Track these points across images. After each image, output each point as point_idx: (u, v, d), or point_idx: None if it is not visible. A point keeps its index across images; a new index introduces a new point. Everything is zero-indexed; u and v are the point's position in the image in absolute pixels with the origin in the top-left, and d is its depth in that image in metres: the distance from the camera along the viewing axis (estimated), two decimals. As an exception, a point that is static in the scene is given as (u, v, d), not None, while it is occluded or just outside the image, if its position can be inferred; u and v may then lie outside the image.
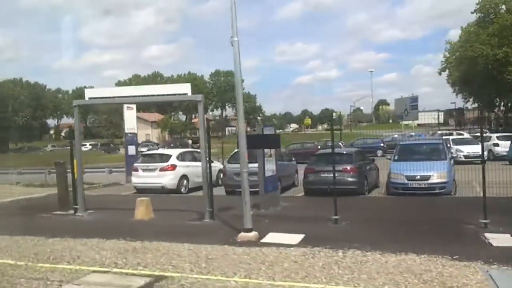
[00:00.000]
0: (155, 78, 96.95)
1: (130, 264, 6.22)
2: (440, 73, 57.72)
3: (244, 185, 7.45)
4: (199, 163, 15.87)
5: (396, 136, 33.90)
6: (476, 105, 62.34)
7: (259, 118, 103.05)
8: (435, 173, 11.34)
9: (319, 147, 28.34)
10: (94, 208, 11.00)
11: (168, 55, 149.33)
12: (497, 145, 23.37)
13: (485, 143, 23.26)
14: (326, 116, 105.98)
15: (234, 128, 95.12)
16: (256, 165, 13.66)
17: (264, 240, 7.27)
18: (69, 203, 11.01)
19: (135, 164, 15.24)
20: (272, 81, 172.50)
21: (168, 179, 14.38)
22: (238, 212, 10.19)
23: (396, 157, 12.49)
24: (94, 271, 5.97)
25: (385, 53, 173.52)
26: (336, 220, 8.38)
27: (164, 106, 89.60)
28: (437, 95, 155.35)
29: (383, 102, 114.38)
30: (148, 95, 9.72)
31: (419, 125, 59.36)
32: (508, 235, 7.03)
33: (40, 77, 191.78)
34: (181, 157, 15.18)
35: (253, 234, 7.36)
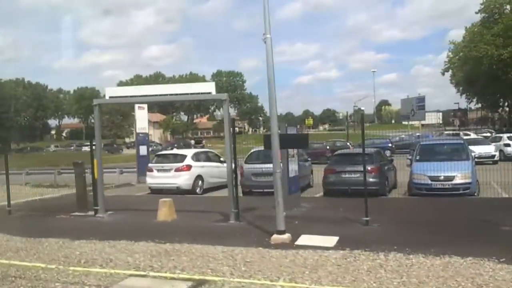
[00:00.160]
0: (157, 79, 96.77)
1: (166, 268, 6.02)
2: (443, 74, 57.74)
3: (277, 185, 7.26)
4: (213, 163, 15.86)
5: (403, 136, 33.72)
6: (479, 105, 62.44)
7: (260, 118, 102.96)
8: (459, 174, 11.16)
9: (327, 147, 28.20)
10: (112, 209, 10.81)
11: (168, 55, 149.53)
12: (508, 145, 23.31)
13: (496, 144, 23.47)
14: (328, 116, 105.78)
15: (236, 128, 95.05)
16: (270, 165, 13.58)
17: (298, 242, 7.08)
18: (88, 204, 10.83)
19: (150, 164, 15.05)
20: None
21: (183, 180, 14.19)
22: (261, 212, 10.07)
23: (417, 157, 12.30)
24: (131, 275, 5.78)
25: (385, 54, 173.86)
26: (367, 221, 8.20)
27: (166, 106, 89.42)
28: (437, 95, 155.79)
29: (385, 103, 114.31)
30: (172, 94, 9.50)
31: (422, 125, 59.21)
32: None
33: (41, 77, 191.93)
34: (196, 157, 15.00)
35: (286, 236, 7.17)
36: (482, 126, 60.81)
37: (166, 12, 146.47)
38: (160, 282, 5.54)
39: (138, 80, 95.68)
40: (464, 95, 58.56)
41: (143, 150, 18.47)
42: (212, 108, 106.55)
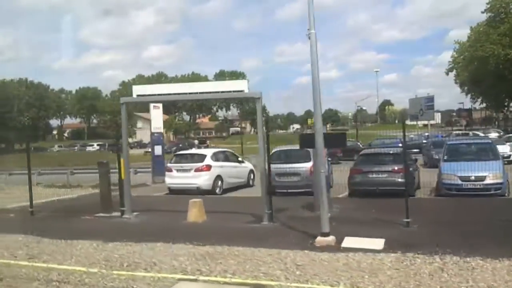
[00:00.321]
0: (159, 78, 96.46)
1: (216, 271, 5.79)
2: (447, 73, 57.55)
3: (321, 185, 7.04)
4: (232, 163, 15.64)
5: (412, 136, 33.46)
6: (484, 105, 62.20)
7: (263, 118, 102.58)
8: (490, 174, 10.94)
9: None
10: (137, 210, 10.57)
11: (169, 55, 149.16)
12: (523, 145, 23.06)
13: (508, 143, 23.24)
14: (330, 116, 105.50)
15: (238, 128, 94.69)
16: (294, 165, 13.39)
17: (344, 244, 6.84)
18: (112, 204, 10.60)
19: (169, 164, 14.82)
20: (272, 82, 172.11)
21: (203, 180, 13.96)
22: (292, 213, 9.87)
23: (445, 157, 12.07)
24: (180, 279, 5.55)
25: (385, 54, 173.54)
26: (408, 223, 7.98)
27: (168, 106, 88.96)
28: (437, 95, 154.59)
29: (387, 103, 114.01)
30: (204, 92, 9.26)
31: (425, 125, 58.99)
32: None
33: (41, 77, 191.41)
34: (215, 157, 14.77)
35: (331, 239, 6.94)
36: (486, 126, 60.58)
37: (166, 12, 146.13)
38: (213, 287, 5.31)
39: (140, 80, 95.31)
40: (469, 95, 58.30)
41: (158, 150, 18.22)
42: (215, 109, 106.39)
